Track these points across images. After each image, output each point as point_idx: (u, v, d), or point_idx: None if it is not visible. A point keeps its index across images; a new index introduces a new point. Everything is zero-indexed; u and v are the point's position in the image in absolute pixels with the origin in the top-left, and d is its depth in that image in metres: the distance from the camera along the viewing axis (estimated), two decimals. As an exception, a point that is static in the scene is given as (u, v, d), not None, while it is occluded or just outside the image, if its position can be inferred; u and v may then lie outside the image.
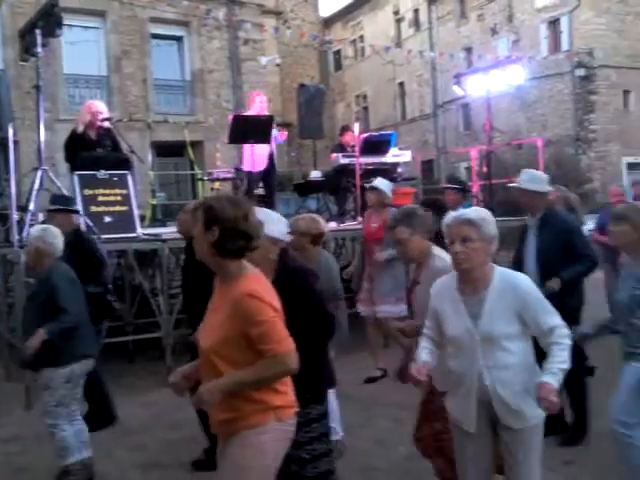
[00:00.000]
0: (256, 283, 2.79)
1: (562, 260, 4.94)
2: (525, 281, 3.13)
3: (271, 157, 9.83)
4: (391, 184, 7.77)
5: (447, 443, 3.57)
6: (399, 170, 11.08)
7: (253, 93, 10.80)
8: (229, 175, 10.96)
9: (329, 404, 5.02)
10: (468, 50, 30.93)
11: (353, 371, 7.46)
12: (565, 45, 27.34)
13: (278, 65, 26.86)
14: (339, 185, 10.57)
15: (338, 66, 40.09)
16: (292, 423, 2.89)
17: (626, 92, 27.34)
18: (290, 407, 2.88)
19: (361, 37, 37.64)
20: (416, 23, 34.39)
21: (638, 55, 27.40)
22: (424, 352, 3.30)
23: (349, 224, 9.89)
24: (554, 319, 3.06)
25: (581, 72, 26.43)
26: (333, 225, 9.74)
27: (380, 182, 7.52)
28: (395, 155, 10.99)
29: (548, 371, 2.95)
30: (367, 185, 7.93)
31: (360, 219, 9.51)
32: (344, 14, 38.77)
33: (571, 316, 4.44)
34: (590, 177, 24.51)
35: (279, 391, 2.82)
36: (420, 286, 3.73)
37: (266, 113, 9.83)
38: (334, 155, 10.53)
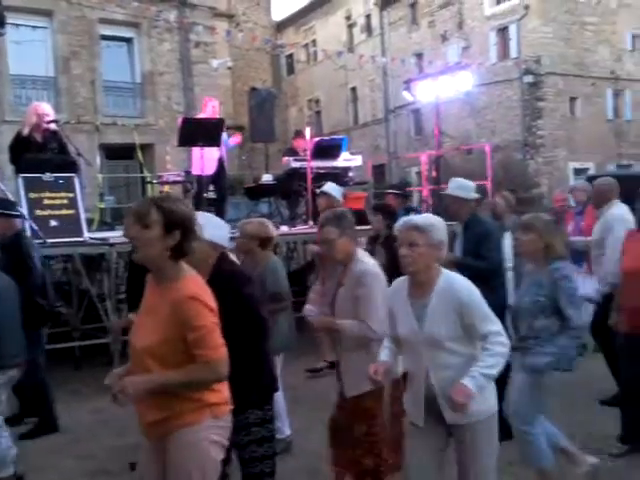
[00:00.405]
0: (196, 285, 2.79)
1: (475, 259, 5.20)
2: (466, 286, 3.20)
3: (221, 161, 9.77)
4: (341, 188, 7.81)
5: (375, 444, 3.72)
6: (350, 174, 11.12)
7: (206, 98, 10.72)
8: (179, 178, 10.86)
9: (280, 404, 5.10)
10: (419, 56, 31.26)
11: (302, 373, 7.47)
12: (514, 52, 27.86)
13: (230, 68, 26.75)
14: (291, 189, 10.56)
15: (290, 70, 40.12)
16: (228, 420, 2.90)
17: (572, 99, 27.99)
18: (225, 404, 2.89)
19: (313, 41, 37.74)
20: (368, 28, 34.64)
21: (583, 63, 28.10)
22: (384, 352, 3.42)
23: (301, 228, 9.89)
24: (490, 325, 3.13)
25: (529, 79, 26.96)
26: (285, 229, 9.72)
27: (330, 187, 7.56)
28: (346, 159, 11.03)
29: (469, 374, 3.03)
30: (317, 190, 7.96)
31: (311, 223, 9.52)
32: (296, 18, 38.84)
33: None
34: (538, 182, 24.99)
35: (214, 389, 2.83)
36: (342, 288, 3.81)
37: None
38: (285, 159, 10.53)
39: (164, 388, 2.72)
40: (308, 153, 9.92)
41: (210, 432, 2.79)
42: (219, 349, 2.74)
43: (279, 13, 39.32)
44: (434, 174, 12.61)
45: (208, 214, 4.06)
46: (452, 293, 3.14)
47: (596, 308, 6.08)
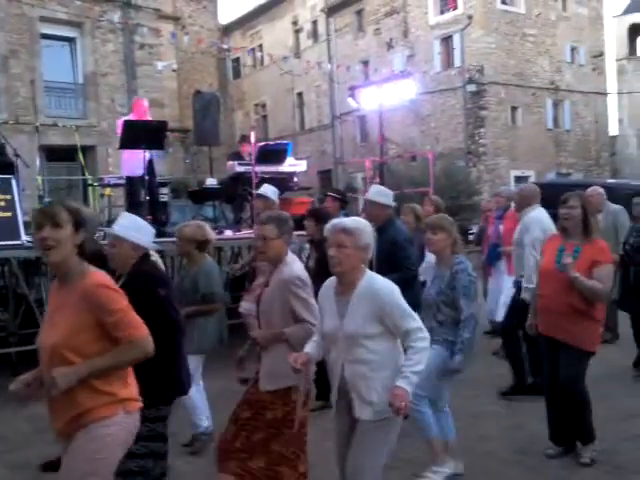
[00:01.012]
0: (102, 276, 2.90)
1: (389, 268, 5.35)
2: (385, 286, 3.35)
3: (150, 163, 9.61)
4: (277, 191, 7.84)
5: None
6: (295, 179, 11.11)
7: (136, 99, 10.62)
8: (121, 181, 10.68)
9: (196, 400, 5.22)
10: (365, 63, 31.55)
11: (227, 372, 7.39)
12: (457, 61, 28.37)
13: (175, 71, 26.51)
14: (235, 193, 10.49)
15: (237, 74, 39.99)
16: (137, 416, 2.97)
17: (514, 108, 28.63)
18: (136, 400, 2.96)
19: (260, 46, 37.66)
20: (314, 34, 34.80)
21: (524, 74, 28.79)
22: (309, 344, 3.55)
23: (245, 232, 9.82)
24: (410, 323, 3.28)
25: (472, 88, 27.49)
26: (229, 233, 9.65)
27: (266, 189, 7.61)
28: (291, 164, 11.02)
29: (401, 375, 3.18)
30: (257, 192, 7.96)
31: (256, 227, 9.49)
32: (243, 22, 38.77)
33: None
34: (479, 189, 25.45)
35: (128, 383, 2.92)
36: (268, 289, 3.90)
37: (148, 118, 9.68)
38: (230, 163, 10.46)
39: (94, 375, 2.77)
40: (253, 158, 9.87)
41: (119, 427, 2.86)
42: (140, 327, 2.87)
43: (226, 17, 39.11)
44: (378, 180, 12.70)
45: (133, 216, 4.14)
46: (373, 292, 3.30)
47: (509, 310, 6.47)
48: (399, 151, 25.87)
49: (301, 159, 12.11)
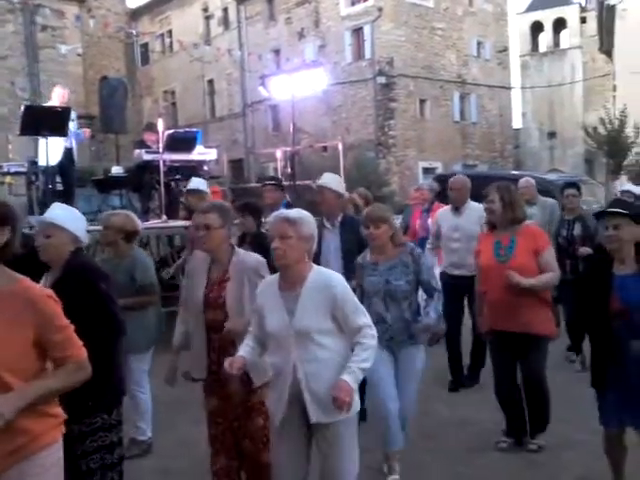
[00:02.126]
0: (39, 285, 2.55)
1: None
2: (338, 281, 3.25)
3: (69, 151, 9.31)
4: (205, 181, 7.66)
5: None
6: (205, 168, 10.94)
7: (57, 86, 10.17)
8: (22, 169, 10.23)
9: (141, 405, 5.05)
10: (277, 52, 31.44)
11: (161, 372, 7.23)
12: (368, 53, 28.64)
13: (80, 55, 25.57)
14: (142, 182, 10.24)
15: (145, 60, 39.05)
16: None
17: (422, 101, 29.18)
18: (65, 419, 2.65)
19: (169, 32, 36.93)
20: (225, 22, 34.38)
21: (432, 67, 29.37)
22: (243, 348, 3.37)
23: (153, 222, 9.60)
24: (361, 319, 3.20)
25: (382, 80, 27.83)
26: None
27: (197, 183, 7.34)
28: (201, 153, 10.85)
29: (347, 370, 3.07)
30: (185, 188, 7.64)
31: (165, 217, 9.29)
32: (152, 7, 37.83)
33: None
34: (389, 180, 25.83)
35: (58, 403, 2.60)
36: (231, 282, 3.71)
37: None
38: (137, 151, 10.19)
39: (39, 400, 2.40)
40: (160, 146, 9.65)
41: (61, 453, 2.55)
42: (82, 348, 2.56)
43: (134, 1, 37.98)
44: (289, 170, 12.67)
45: (66, 205, 3.89)
46: (325, 286, 3.19)
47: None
48: (311, 141, 25.89)
49: (211, 147, 11.95)
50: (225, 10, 34.36)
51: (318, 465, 3.36)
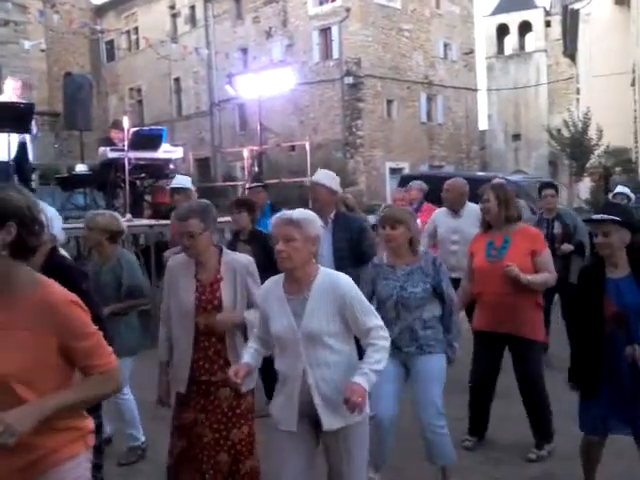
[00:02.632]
0: (63, 289, 2.32)
1: (353, 256, 5.29)
2: (346, 282, 3.16)
3: (23, 146, 9.09)
4: (189, 177, 7.57)
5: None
6: (171, 166, 10.87)
7: (9, 78, 9.99)
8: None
9: (126, 412, 4.95)
10: (244, 51, 31.31)
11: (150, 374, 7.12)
12: (335, 53, 28.68)
13: (43, 51, 25.19)
14: (107, 180, 10.13)
15: (111, 57, 38.60)
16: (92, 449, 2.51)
17: (389, 102, 29.31)
18: (92, 430, 2.47)
19: (135, 29, 36.54)
20: (192, 20, 34.13)
21: (399, 68, 29.52)
22: (247, 353, 3.30)
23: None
24: (372, 320, 3.11)
25: (349, 80, 27.88)
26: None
27: (181, 180, 7.22)
28: (166, 151, 10.77)
29: (359, 372, 2.98)
30: (170, 187, 7.46)
31: (129, 216, 9.20)
32: (117, 4, 37.38)
33: None
34: (356, 180, 25.88)
35: (83, 414, 2.42)
36: (224, 282, 3.67)
37: (18, 100, 9.16)
38: (102, 149, 10.08)
39: (67, 409, 2.24)
40: (125, 143, 9.55)
41: (85, 467, 2.37)
42: (112, 356, 2.36)
43: (99, -3, 37.52)
44: (256, 169, 12.63)
45: (43, 203, 3.77)
46: (334, 288, 3.10)
47: None
48: (278, 141, 25.86)
49: (177, 146, 11.87)
50: (192, 8, 34.11)
51: (326, 471, 3.28)
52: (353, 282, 3.19)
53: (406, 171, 27.02)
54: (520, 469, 4.61)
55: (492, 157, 37.87)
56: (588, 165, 24.43)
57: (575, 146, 25.19)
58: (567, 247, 6.80)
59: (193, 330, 3.62)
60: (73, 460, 2.30)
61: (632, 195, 8.37)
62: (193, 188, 7.26)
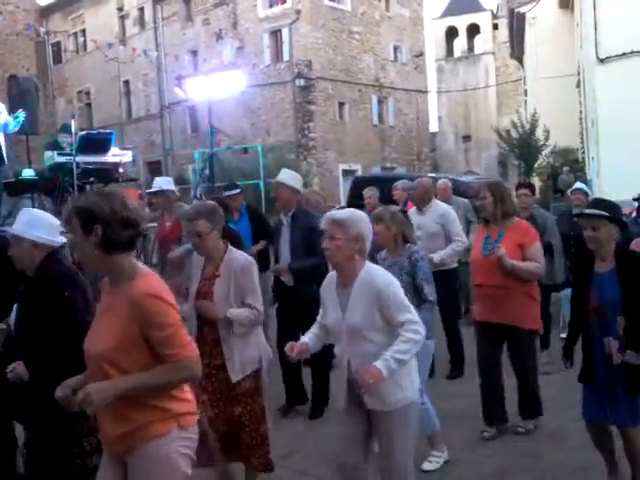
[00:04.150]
0: (153, 282, 2.63)
1: (307, 251, 5.48)
2: (383, 278, 3.38)
3: None
4: (170, 179, 7.45)
5: None
6: (121, 170, 10.73)
7: None
8: None
9: None
10: (194, 53, 31.05)
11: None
12: (286, 56, 28.66)
13: (-13, 53, 24.59)
14: (55, 185, 9.94)
15: (58, 59, 37.88)
16: (195, 430, 2.75)
17: (341, 104, 29.42)
18: (192, 414, 2.73)
19: (83, 31, 35.93)
20: (141, 21, 33.73)
21: (350, 70, 29.66)
22: (307, 335, 3.63)
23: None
24: (405, 315, 3.31)
25: (301, 82, 27.90)
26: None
27: (160, 182, 7.12)
28: (116, 155, 10.63)
29: (382, 357, 3.21)
30: (149, 190, 7.37)
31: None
32: (64, 5, 36.70)
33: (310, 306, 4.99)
34: (310, 182, 25.89)
35: (178, 397, 2.67)
36: (220, 278, 3.93)
37: None
38: (48, 153, 9.89)
39: (134, 392, 2.52)
40: (73, 147, 9.38)
41: (177, 444, 2.63)
42: (189, 345, 2.61)
43: (44, -2, 36.80)
44: (208, 172, 12.52)
45: (32, 211, 3.91)
46: (372, 284, 3.33)
47: None
48: (230, 143, 25.70)
49: (128, 149, 11.72)
50: (141, 10, 33.70)
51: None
52: (392, 278, 3.42)
53: (359, 173, 27.16)
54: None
55: (443, 158, 38.30)
56: (536, 165, 24.90)
57: (523, 147, 25.65)
58: None
59: (196, 317, 3.95)
60: (164, 437, 2.59)
61: (589, 191, 8.53)
62: (175, 189, 7.16)
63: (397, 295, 3.35)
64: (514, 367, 5.07)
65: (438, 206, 6.69)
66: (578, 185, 8.48)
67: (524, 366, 5.03)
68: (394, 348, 3.24)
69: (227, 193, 7.09)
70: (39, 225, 3.51)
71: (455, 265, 6.83)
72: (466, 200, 8.57)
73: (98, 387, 2.49)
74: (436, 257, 6.02)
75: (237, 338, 3.92)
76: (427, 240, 6.29)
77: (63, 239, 3.62)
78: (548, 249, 6.99)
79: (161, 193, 6.97)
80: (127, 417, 2.58)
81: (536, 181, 23.78)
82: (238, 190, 7.23)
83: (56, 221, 3.69)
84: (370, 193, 8.51)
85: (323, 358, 4.97)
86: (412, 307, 3.41)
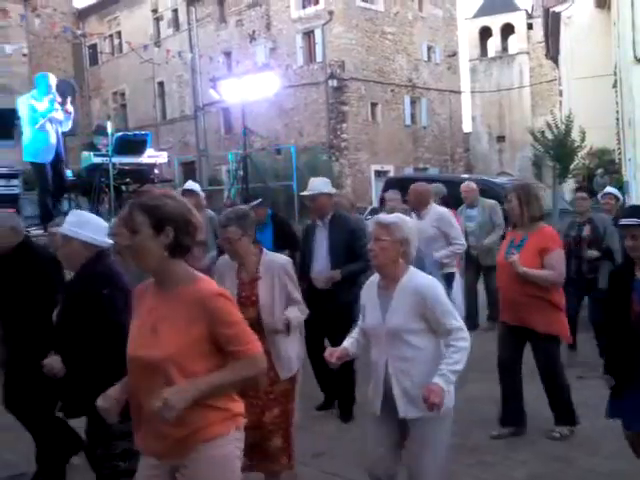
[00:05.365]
0: (214, 284, 2.64)
1: (348, 256, 5.49)
2: (428, 283, 3.41)
3: (58, 149, 8.84)
4: (198, 185, 7.58)
5: None
6: (156, 171, 10.85)
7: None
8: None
9: None
10: (228, 54, 31.24)
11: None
12: (319, 56, 28.69)
13: (25, 55, 25.04)
14: (91, 185, 10.08)
15: (94, 61, 38.43)
16: (242, 432, 2.71)
17: (374, 105, 29.36)
18: (242, 415, 2.70)
19: (118, 33, 36.42)
20: (175, 23, 34.05)
21: (383, 70, 29.58)
22: (348, 340, 3.64)
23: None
24: (451, 321, 3.31)
25: (334, 83, 27.89)
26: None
27: (192, 184, 7.31)
28: (151, 156, 10.74)
29: (439, 372, 3.21)
30: (184, 187, 7.51)
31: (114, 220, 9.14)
32: (100, 8, 37.24)
33: (346, 310, 5.15)
34: (342, 183, 25.91)
35: (233, 397, 2.66)
36: (262, 281, 4.02)
37: None
38: (85, 154, 10.03)
39: (214, 392, 2.50)
40: (110, 148, 9.51)
41: (235, 445, 2.62)
42: (256, 342, 2.61)
43: (81, 0, 37.34)
44: (241, 173, 12.61)
45: (83, 212, 4.03)
46: (415, 288, 3.34)
47: None
48: (263, 144, 25.82)
49: (162, 150, 11.84)
50: (175, 11, 34.02)
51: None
52: (437, 283, 3.45)
53: (391, 174, 27.08)
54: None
55: (476, 159, 38.01)
56: (572, 167, 24.57)
57: (558, 148, 25.32)
58: (592, 253, 6.85)
59: None
60: (223, 438, 2.55)
61: (620, 195, 8.42)
62: (201, 193, 7.31)
63: (442, 299, 3.37)
64: (540, 371, 5.04)
65: (435, 210, 6.65)
66: (608, 189, 8.37)
67: (545, 370, 5.00)
68: (448, 360, 3.25)
69: (251, 204, 7.09)
70: (88, 226, 3.61)
71: (453, 270, 6.77)
72: (493, 202, 8.50)
73: (177, 390, 2.40)
74: (436, 254, 6.18)
75: (283, 336, 3.98)
76: (425, 245, 6.22)
77: (110, 240, 3.72)
78: (608, 254, 6.87)
79: (192, 193, 7.03)
80: (187, 420, 2.47)
81: (571, 183, 23.48)
82: (259, 200, 7.25)
83: (104, 222, 3.80)
84: (391, 196, 8.45)
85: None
86: (456, 312, 3.41)
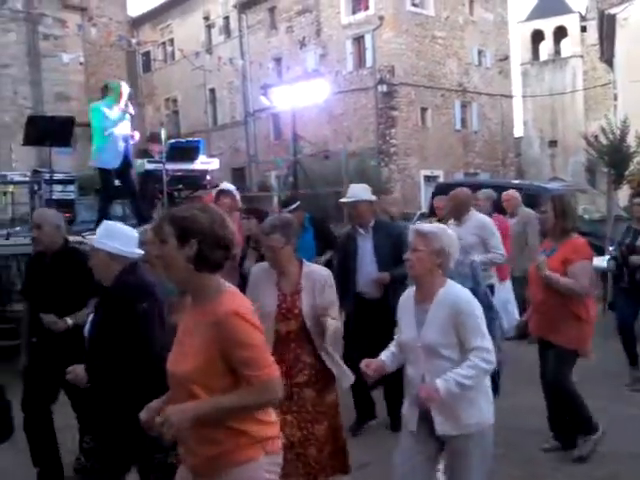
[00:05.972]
0: (239, 301, 2.55)
1: (395, 260, 5.33)
2: (465, 298, 3.29)
3: (127, 156, 8.99)
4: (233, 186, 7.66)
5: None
6: (208, 177, 10.97)
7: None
8: (25, 178, 10.26)
9: None
10: (278, 61, 31.48)
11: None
12: (369, 62, 28.69)
13: (82, 64, 25.63)
14: (146, 191, 10.25)
15: (147, 68, 39.17)
16: (280, 455, 2.65)
17: (423, 109, 29.20)
18: (277, 438, 2.63)
19: (171, 40, 37.04)
20: (227, 30, 34.46)
21: (433, 75, 29.40)
22: (385, 353, 3.54)
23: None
24: (478, 340, 3.19)
25: (383, 88, 27.84)
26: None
27: (227, 185, 7.31)
28: (204, 162, 10.87)
29: (444, 377, 3.14)
30: (220, 188, 7.56)
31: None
32: (153, 16, 37.98)
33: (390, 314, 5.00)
34: (391, 188, 25.82)
35: (263, 421, 2.57)
36: (304, 293, 3.94)
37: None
38: (138, 160, 10.21)
39: (216, 415, 2.44)
40: (163, 155, 9.67)
41: (264, 470, 2.53)
42: (272, 367, 2.50)
43: (135, 9, 38.16)
44: (291, 179, 12.68)
45: (112, 223, 3.92)
46: (451, 302, 3.24)
47: None
48: (313, 149, 25.91)
49: (214, 156, 11.97)
50: (226, 19, 34.45)
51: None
52: (474, 299, 3.31)
53: (441, 179, 26.88)
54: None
55: (528, 164, 37.45)
56: (627, 173, 24.01)
57: (613, 153, 24.77)
58: (638, 259, 6.56)
59: (273, 336, 3.83)
60: (252, 463, 2.49)
61: None
62: (237, 195, 7.33)
63: (476, 317, 3.24)
64: (545, 385, 4.93)
65: (475, 217, 6.53)
66: None
67: (552, 379, 4.83)
68: (458, 371, 3.14)
69: (289, 208, 7.07)
70: (116, 237, 3.57)
71: (492, 281, 6.61)
72: (532, 212, 8.34)
73: (178, 409, 2.39)
74: (476, 257, 5.94)
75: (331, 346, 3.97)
76: (463, 253, 6.16)
77: (140, 251, 3.67)
78: None
79: (230, 194, 7.00)
80: (213, 439, 2.47)
81: (627, 189, 22.95)
82: (297, 203, 7.23)
83: (135, 233, 3.74)
84: (440, 203, 8.35)
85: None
86: (487, 334, 3.26)
